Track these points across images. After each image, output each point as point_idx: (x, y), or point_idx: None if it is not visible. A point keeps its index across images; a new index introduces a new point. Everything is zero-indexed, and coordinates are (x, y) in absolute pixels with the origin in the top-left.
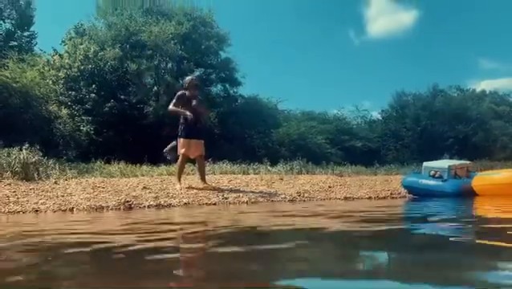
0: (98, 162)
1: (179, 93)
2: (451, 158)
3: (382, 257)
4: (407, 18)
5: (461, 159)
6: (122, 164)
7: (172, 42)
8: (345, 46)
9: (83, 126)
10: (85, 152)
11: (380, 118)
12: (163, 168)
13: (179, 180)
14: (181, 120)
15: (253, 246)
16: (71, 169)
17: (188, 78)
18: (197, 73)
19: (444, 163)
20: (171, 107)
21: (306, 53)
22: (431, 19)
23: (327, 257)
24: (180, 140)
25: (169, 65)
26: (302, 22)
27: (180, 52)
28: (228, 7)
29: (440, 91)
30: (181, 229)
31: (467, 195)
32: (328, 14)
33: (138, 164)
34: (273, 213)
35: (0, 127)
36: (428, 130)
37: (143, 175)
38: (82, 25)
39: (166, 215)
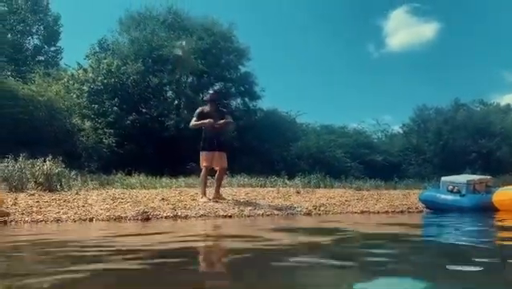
0: (119, 174)
1: (197, 110)
2: (474, 173)
3: None
4: (427, 30)
5: (483, 174)
6: (142, 177)
7: (193, 56)
8: (364, 59)
9: (106, 138)
10: (107, 164)
11: (401, 132)
12: (182, 180)
13: (203, 193)
14: (203, 134)
15: None
16: (92, 181)
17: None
18: (216, 87)
19: (462, 178)
20: (191, 123)
21: (325, 66)
22: (452, 31)
23: None
24: (202, 154)
25: (190, 79)
26: (321, 36)
27: (200, 66)
28: (246, 20)
29: (462, 105)
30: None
31: (485, 210)
32: (347, 27)
33: (158, 177)
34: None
35: (26, 139)
36: (450, 145)
37: (162, 187)
38: (106, 40)
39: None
